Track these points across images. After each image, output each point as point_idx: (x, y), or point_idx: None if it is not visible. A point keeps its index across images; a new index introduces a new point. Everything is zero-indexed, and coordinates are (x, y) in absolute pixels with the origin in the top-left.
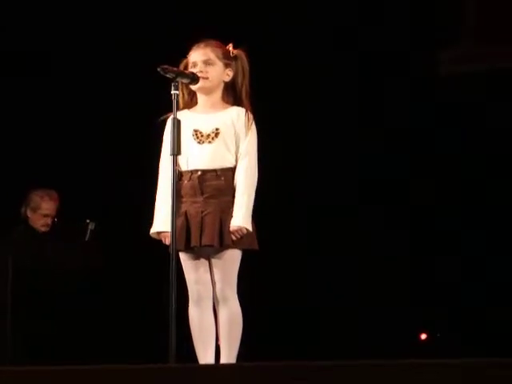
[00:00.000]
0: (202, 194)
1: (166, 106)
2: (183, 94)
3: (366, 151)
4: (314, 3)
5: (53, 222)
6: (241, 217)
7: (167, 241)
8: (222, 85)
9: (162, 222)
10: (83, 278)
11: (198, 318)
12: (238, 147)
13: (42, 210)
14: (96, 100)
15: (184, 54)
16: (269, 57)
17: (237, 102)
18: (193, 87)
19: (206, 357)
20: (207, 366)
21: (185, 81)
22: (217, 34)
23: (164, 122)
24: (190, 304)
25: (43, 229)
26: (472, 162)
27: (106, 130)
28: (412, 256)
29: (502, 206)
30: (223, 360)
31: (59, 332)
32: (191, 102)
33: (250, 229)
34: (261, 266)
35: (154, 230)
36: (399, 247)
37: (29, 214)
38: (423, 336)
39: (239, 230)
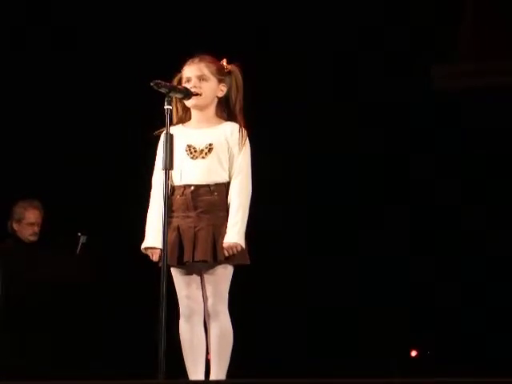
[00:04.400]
0: (195, 209)
1: (161, 120)
2: (177, 108)
3: (365, 152)
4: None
5: (40, 230)
6: (235, 233)
7: (154, 257)
8: (215, 100)
9: (152, 237)
10: (73, 291)
11: (189, 333)
12: (231, 163)
13: (26, 220)
14: (89, 113)
15: (180, 66)
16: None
17: (230, 117)
18: (186, 103)
19: (196, 372)
20: (197, 382)
21: (178, 96)
22: (214, 46)
23: (158, 137)
24: (180, 319)
25: (31, 238)
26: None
27: (100, 144)
28: (412, 257)
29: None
30: (213, 375)
31: (48, 345)
32: (185, 116)
33: (244, 246)
34: (253, 278)
35: (144, 245)
36: (399, 247)
37: (15, 226)
38: (413, 353)
39: (234, 246)
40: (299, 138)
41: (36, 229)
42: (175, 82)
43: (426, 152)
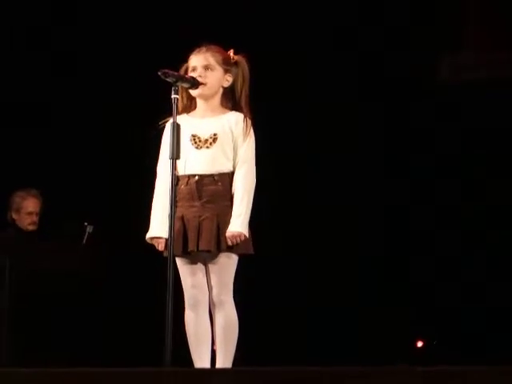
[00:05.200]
0: (200, 198)
1: (166, 109)
2: (182, 98)
3: (365, 150)
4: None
5: (42, 220)
6: (239, 223)
7: (160, 246)
8: (220, 90)
9: (157, 227)
10: (79, 280)
11: (194, 322)
12: (235, 153)
13: (24, 209)
14: (94, 103)
15: (186, 57)
16: (268, 57)
17: (235, 107)
18: (192, 93)
19: (201, 361)
20: (203, 371)
21: (185, 85)
22: (218, 38)
23: (163, 126)
24: (186, 308)
25: (31, 227)
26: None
27: (105, 133)
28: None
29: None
30: (219, 364)
31: (55, 334)
32: (190, 105)
33: (247, 235)
34: (257, 269)
35: (149, 235)
36: (398, 246)
37: (14, 216)
38: (419, 343)
39: (238, 235)
40: (299, 137)
41: (35, 218)
42: (182, 72)
43: (426, 152)
